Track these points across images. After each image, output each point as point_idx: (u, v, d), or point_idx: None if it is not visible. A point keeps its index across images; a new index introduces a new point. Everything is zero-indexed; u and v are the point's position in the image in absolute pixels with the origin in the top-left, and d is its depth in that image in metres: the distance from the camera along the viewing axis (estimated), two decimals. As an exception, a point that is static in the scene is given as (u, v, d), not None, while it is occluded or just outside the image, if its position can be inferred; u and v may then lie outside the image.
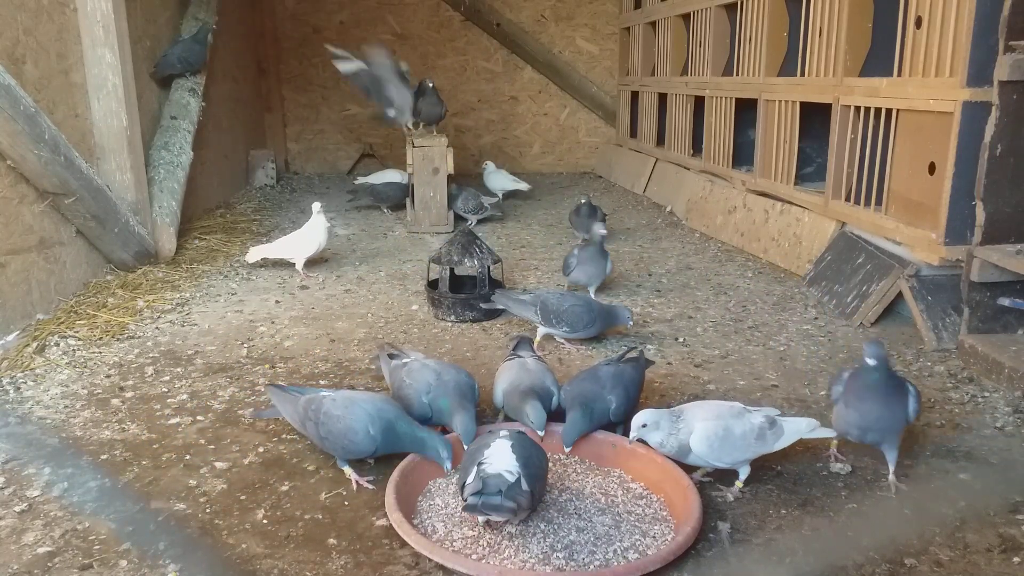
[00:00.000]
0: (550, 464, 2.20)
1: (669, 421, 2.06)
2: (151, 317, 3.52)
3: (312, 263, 4.56)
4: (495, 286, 3.68)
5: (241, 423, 2.52)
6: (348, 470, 2.14)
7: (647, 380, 2.58)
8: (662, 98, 6.76)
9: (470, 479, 1.85)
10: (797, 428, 2.11)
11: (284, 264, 4.54)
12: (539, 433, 2.23)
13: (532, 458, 1.90)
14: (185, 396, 2.72)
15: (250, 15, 7.59)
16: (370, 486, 2.12)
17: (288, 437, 2.42)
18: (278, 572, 1.79)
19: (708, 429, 2.02)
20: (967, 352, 2.92)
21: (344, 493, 2.12)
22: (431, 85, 5.57)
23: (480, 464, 1.87)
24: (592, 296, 3.61)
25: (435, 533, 1.92)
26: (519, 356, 2.56)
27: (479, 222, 5.56)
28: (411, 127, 5.55)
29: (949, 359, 2.99)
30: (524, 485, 1.83)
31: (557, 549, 1.84)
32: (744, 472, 2.09)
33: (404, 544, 1.85)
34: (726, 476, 2.13)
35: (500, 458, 1.87)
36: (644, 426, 2.06)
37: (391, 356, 2.59)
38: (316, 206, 4.28)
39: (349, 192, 6.32)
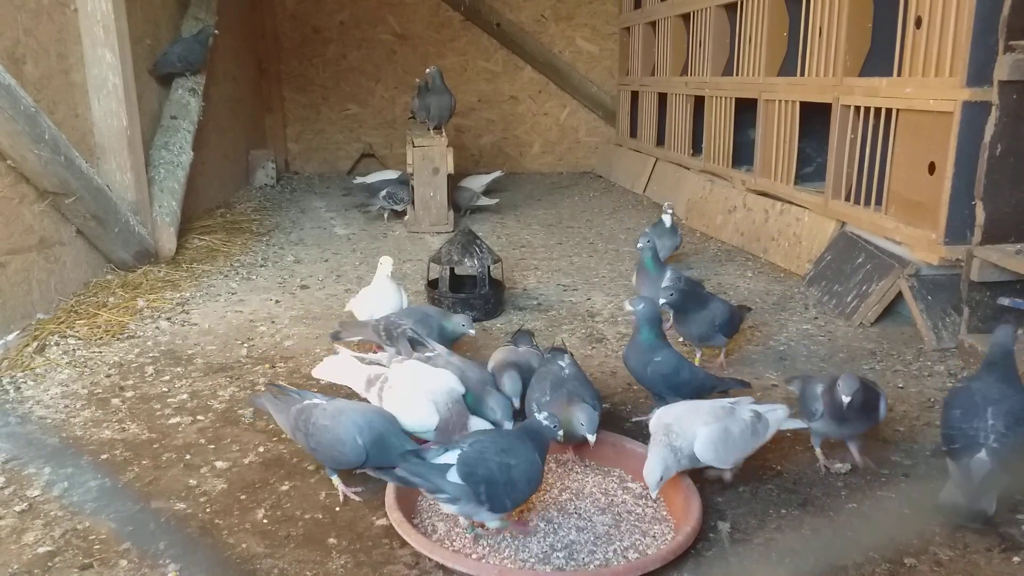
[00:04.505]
0: (552, 464, 2.21)
1: (670, 452, 1.96)
2: (151, 317, 3.52)
3: (312, 263, 4.57)
4: (495, 286, 3.68)
5: (241, 423, 2.53)
6: (336, 480, 2.10)
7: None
8: (662, 98, 6.76)
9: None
10: (777, 418, 2.12)
11: (284, 264, 4.54)
12: (514, 401, 2.27)
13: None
14: (185, 396, 2.73)
15: (250, 15, 7.59)
16: (357, 498, 2.08)
17: (288, 437, 2.42)
18: (278, 572, 1.79)
19: (712, 433, 1.97)
20: (967, 352, 2.92)
21: (344, 493, 2.12)
22: (439, 73, 5.36)
23: None
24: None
25: (435, 532, 1.92)
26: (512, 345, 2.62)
27: (474, 216, 5.47)
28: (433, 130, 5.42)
29: (949, 359, 2.99)
30: None
31: (557, 548, 1.85)
32: (729, 474, 2.08)
33: (404, 544, 1.85)
34: (708, 488, 2.10)
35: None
36: (661, 479, 1.94)
37: (413, 345, 2.55)
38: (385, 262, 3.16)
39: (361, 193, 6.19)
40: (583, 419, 2.07)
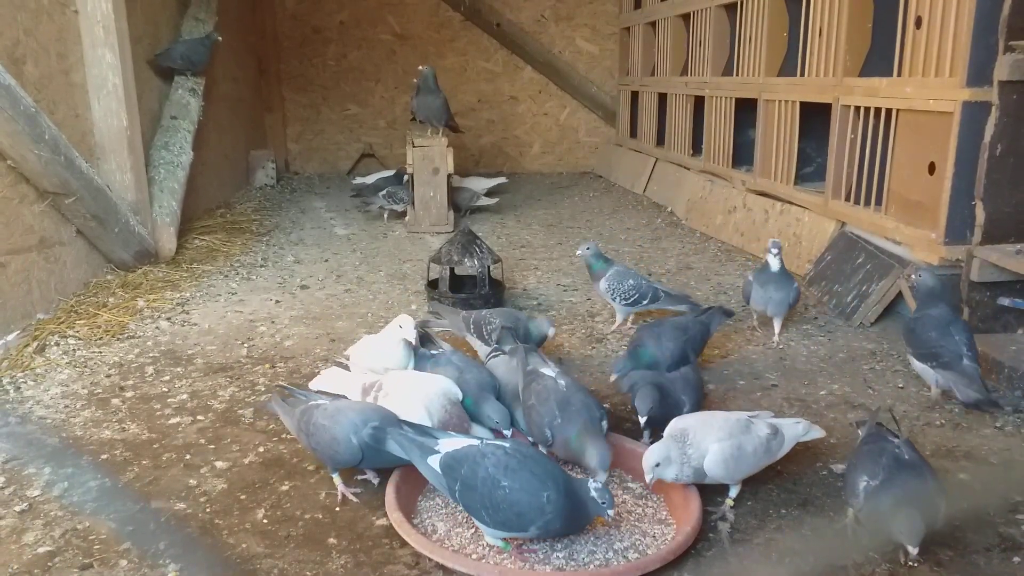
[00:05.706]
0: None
1: (678, 450, 1.94)
2: (151, 317, 3.52)
3: (312, 263, 4.57)
4: (495, 286, 3.68)
5: (241, 423, 2.53)
6: (337, 479, 2.11)
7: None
8: (662, 98, 6.76)
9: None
10: (795, 433, 2.09)
11: (284, 264, 4.54)
12: (505, 432, 2.23)
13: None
14: (185, 396, 2.72)
15: (250, 15, 7.59)
16: (355, 498, 2.09)
17: (288, 437, 2.42)
18: (278, 572, 1.79)
19: (724, 451, 1.93)
20: (967, 352, 2.92)
21: (344, 493, 2.12)
22: (431, 74, 5.31)
23: None
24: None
25: (435, 533, 1.92)
26: (503, 352, 2.54)
27: (474, 216, 5.49)
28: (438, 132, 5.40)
29: (949, 359, 2.99)
30: None
31: (557, 549, 1.85)
32: (735, 490, 2.03)
33: (404, 544, 1.85)
34: (709, 489, 2.04)
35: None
36: (657, 465, 1.93)
37: (423, 341, 2.55)
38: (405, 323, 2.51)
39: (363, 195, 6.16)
40: (595, 459, 1.99)
